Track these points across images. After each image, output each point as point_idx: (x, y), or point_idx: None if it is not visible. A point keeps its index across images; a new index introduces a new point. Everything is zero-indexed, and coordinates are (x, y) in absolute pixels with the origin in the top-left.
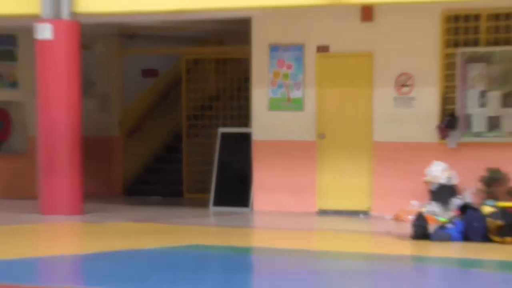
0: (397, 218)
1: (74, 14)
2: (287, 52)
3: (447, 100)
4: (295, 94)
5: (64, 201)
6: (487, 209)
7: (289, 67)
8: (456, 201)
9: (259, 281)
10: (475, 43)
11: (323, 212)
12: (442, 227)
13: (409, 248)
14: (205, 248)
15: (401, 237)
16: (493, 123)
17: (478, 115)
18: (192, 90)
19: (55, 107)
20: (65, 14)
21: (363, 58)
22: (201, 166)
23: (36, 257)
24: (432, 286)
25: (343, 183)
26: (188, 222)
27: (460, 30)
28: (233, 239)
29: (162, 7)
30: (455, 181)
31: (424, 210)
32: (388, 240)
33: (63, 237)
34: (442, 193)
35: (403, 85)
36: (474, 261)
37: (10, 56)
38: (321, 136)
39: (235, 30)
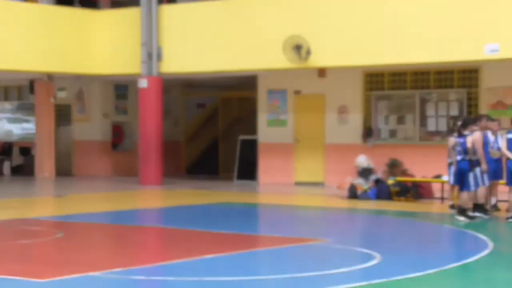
0: (339, 187)
1: (159, 73)
2: (277, 94)
3: (366, 120)
4: (282, 117)
5: (152, 177)
6: (390, 181)
7: (278, 102)
8: (372, 177)
9: (262, 222)
10: (382, 88)
11: (298, 183)
12: (365, 192)
13: (346, 203)
14: (229, 204)
15: (341, 197)
16: (392, 133)
17: (384, 128)
18: (224, 114)
19: (148, 124)
20: (154, 73)
21: (320, 97)
22: (229, 157)
23: (136, 208)
24: (358, 225)
25: (309, 166)
26: (220, 189)
27: (373, 81)
28: (246, 199)
29: (211, 69)
30: (372, 166)
31: (354, 182)
32: (334, 199)
33: (152, 198)
34: (365, 173)
35: (342, 112)
36: (383, 211)
37: (124, 96)
38: (297, 140)
39: (247, 81)
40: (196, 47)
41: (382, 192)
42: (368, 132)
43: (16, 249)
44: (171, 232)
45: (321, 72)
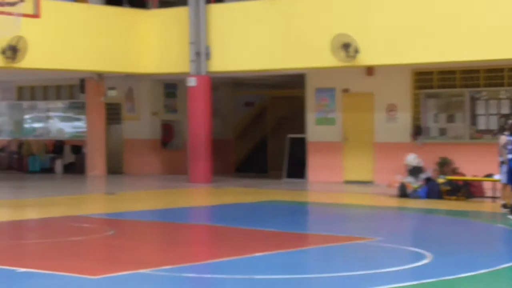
0: (389, 186)
1: (208, 72)
2: (325, 92)
3: (415, 118)
4: (330, 116)
5: (201, 175)
6: (440, 180)
7: (326, 101)
8: (422, 176)
9: (311, 221)
10: (431, 87)
11: (347, 182)
12: (415, 190)
13: (395, 202)
14: (279, 202)
15: (391, 196)
16: (442, 132)
17: (433, 127)
18: (272, 113)
19: (198, 123)
20: (203, 72)
21: (368, 95)
22: (278, 155)
23: (186, 206)
24: (408, 224)
25: (358, 165)
26: (269, 187)
27: (422, 79)
28: (295, 197)
29: (259, 67)
30: (421, 164)
31: (404, 181)
32: (383, 198)
33: (201, 195)
34: (415, 171)
35: (391, 110)
36: (433, 210)
37: (173, 95)
38: (345, 139)
39: (295, 80)
40: (244, 46)
41: (432, 191)
42: (417, 131)
43: (69, 246)
44: (220, 230)
45: (369, 70)
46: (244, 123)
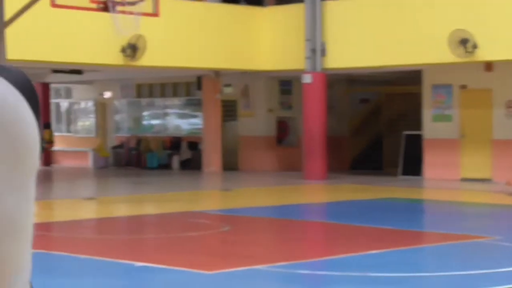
0: (508, 183)
1: (323, 69)
2: (442, 88)
3: None
4: (447, 112)
5: (316, 172)
6: None
7: (443, 97)
8: None
9: (427, 219)
10: None
11: (464, 179)
12: None
13: None
14: (394, 199)
15: (510, 194)
16: None
17: None
18: (387, 109)
19: (313, 120)
20: (318, 69)
21: (487, 91)
22: (393, 152)
23: (300, 203)
24: None
25: (476, 162)
26: (384, 184)
27: None
28: (410, 194)
29: (375, 64)
30: None
31: None
32: (502, 196)
33: (316, 192)
34: None
35: (510, 107)
36: None
37: (288, 91)
38: (462, 135)
39: (411, 76)
40: (360, 42)
41: None
42: None
43: (185, 241)
44: (335, 227)
45: (488, 66)
46: (359, 120)
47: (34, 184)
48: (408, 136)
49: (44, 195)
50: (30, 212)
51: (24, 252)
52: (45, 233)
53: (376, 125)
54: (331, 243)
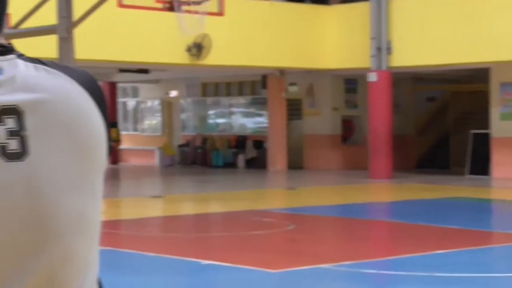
0: None
1: (389, 67)
2: (511, 86)
3: None
4: None
5: (382, 170)
6: None
7: (511, 95)
8: None
9: (495, 219)
10: None
11: None
12: None
13: None
14: (461, 199)
15: None
16: None
17: None
18: (454, 108)
19: (378, 118)
20: (384, 67)
21: None
22: (461, 151)
23: (366, 202)
24: None
25: None
26: (451, 183)
27: None
28: (478, 194)
29: (441, 62)
30: None
31: None
32: None
33: (382, 191)
34: None
35: None
36: None
37: (353, 90)
38: None
39: (478, 74)
40: (426, 40)
41: None
42: None
43: (250, 240)
44: (401, 226)
45: None
46: (425, 118)
47: (102, 182)
48: (476, 134)
49: (112, 193)
50: (97, 209)
51: (92, 249)
52: (112, 230)
53: (443, 124)
54: (397, 242)
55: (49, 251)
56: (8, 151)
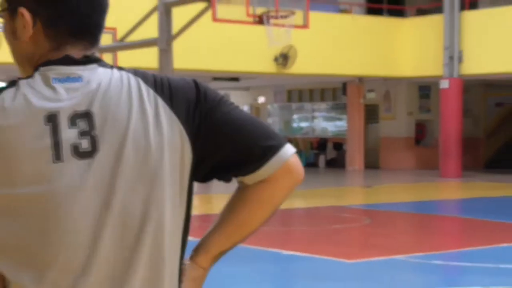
0: None
1: (460, 75)
2: None
3: None
4: None
5: (452, 170)
6: None
7: None
8: None
9: None
10: None
11: None
12: None
13: None
14: None
15: None
16: None
17: None
18: None
19: (449, 122)
20: (455, 75)
21: None
22: None
23: (437, 199)
24: None
25: None
26: None
27: None
28: None
29: (509, 70)
30: None
31: None
32: None
33: (452, 189)
34: None
35: None
36: None
37: (427, 96)
38: None
39: None
40: (496, 49)
41: None
42: None
43: (329, 233)
44: (469, 221)
45: None
46: (493, 122)
47: (179, 178)
48: None
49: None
50: (166, 200)
51: (172, 241)
52: (204, 224)
53: (510, 128)
54: (465, 236)
55: (122, 237)
56: (81, 150)
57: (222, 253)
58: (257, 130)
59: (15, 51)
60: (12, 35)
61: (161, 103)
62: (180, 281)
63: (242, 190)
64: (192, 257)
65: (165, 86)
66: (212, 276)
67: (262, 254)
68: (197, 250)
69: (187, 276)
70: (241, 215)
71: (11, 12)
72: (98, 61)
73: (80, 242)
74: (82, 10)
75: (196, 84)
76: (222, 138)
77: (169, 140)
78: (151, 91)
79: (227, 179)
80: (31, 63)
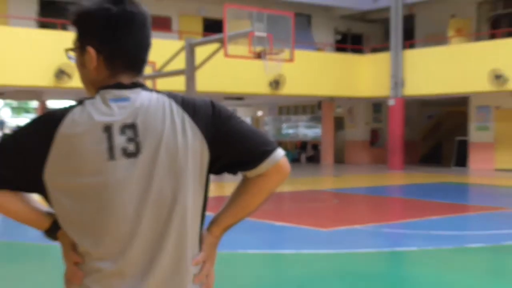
0: None
1: (403, 95)
2: (483, 108)
3: None
4: (487, 124)
5: (396, 164)
6: None
7: (483, 115)
8: None
9: (472, 196)
10: None
11: (497, 170)
12: None
13: None
14: (449, 183)
15: None
16: None
17: None
18: (445, 123)
19: (394, 129)
20: (399, 95)
21: None
22: (450, 151)
23: (386, 185)
24: None
25: (506, 157)
26: (443, 173)
27: None
28: (460, 179)
29: (438, 92)
30: None
31: None
32: None
33: (396, 178)
34: None
35: None
36: None
37: (379, 111)
38: (496, 140)
39: (461, 100)
40: (427, 77)
41: None
42: None
43: (309, 210)
44: (409, 201)
45: None
46: (427, 129)
47: (199, 172)
48: (460, 140)
49: (217, 178)
50: (189, 188)
51: (194, 217)
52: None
53: (438, 133)
54: (406, 212)
55: (157, 214)
56: (128, 152)
57: (230, 226)
58: (257, 138)
59: (83, 77)
60: (82, 66)
61: (186, 117)
62: (200, 244)
63: (245, 181)
64: (208, 228)
65: (190, 105)
66: (224, 241)
67: (260, 225)
68: (211, 223)
69: (205, 241)
70: (244, 199)
71: (81, 49)
72: (141, 86)
73: (127, 218)
74: (132, 50)
75: (212, 103)
76: (231, 143)
77: (192, 145)
78: (180, 109)
79: (234, 173)
80: (94, 86)
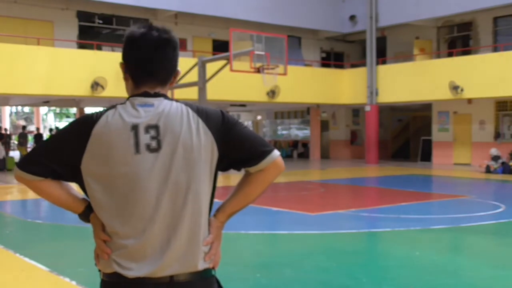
0: (480, 166)
1: (377, 103)
2: (443, 113)
3: (496, 128)
4: (446, 126)
5: (372, 159)
6: (511, 163)
7: (444, 118)
8: (500, 161)
9: (434, 185)
10: (506, 109)
11: (456, 164)
12: (495, 169)
13: (483, 176)
14: (415, 175)
15: (480, 172)
16: None
17: (507, 133)
18: (412, 125)
19: (370, 130)
20: (374, 103)
21: (468, 115)
22: (416, 149)
23: (365, 176)
24: (490, 188)
25: (462, 154)
26: (410, 166)
27: (501, 105)
28: (424, 172)
29: (406, 99)
30: (499, 154)
31: (489, 163)
32: (476, 173)
33: (373, 171)
34: (495, 158)
35: (481, 124)
36: (506, 180)
37: (357, 115)
38: (454, 139)
39: (425, 106)
40: (397, 88)
41: (506, 169)
42: (497, 135)
43: (301, 197)
44: (383, 190)
45: (469, 101)
46: (396, 131)
47: (209, 166)
48: (424, 139)
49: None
50: (201, 179)
51: (204, 203)
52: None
53: (407, 134)
54: (381, 199)
55: (174, 200)
56: (151, 148)
57: (234, 213)
58: (258, 141)
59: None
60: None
61: (201, 122)
62: (209, 228)
63: (247, 175)
64: (215, 215)
65: (204, 112)
66: (229, 224)
67: (259, 210)
68: (218, 210)
69: (212, 225)
70: (246, 190)
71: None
72: (164, 95)
73: (149, 202)
74: (153, 71)
75: (222, 112)
76: (236, 145)
77: (204, 144)
78: (195, 115)
79: (238, 169)
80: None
